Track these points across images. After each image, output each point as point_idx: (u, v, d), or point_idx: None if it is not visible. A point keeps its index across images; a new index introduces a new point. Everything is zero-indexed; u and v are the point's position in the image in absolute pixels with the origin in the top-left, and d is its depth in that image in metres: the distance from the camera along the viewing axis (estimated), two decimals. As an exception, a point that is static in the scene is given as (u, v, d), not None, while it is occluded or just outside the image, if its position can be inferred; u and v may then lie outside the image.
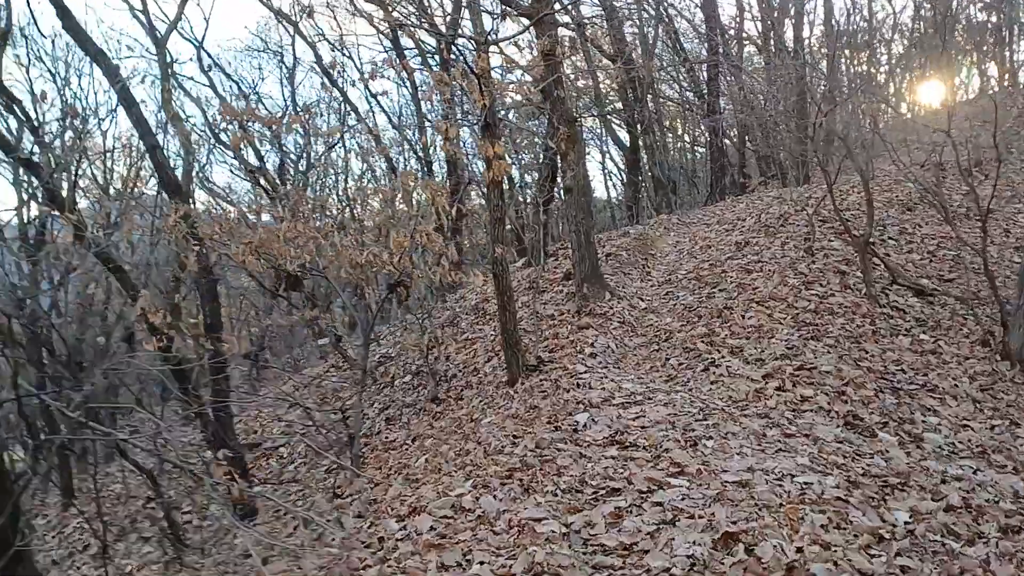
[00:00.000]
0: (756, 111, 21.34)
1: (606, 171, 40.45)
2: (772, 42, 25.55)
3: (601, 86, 22.75)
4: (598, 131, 27.02)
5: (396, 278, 6.95)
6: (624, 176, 21.16)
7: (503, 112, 15.70)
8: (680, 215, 15.99)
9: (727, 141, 22.68)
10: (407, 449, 8.60)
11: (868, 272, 10.25)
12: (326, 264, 6.54)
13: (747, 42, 25.79)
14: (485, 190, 8.79)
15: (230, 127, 14.98)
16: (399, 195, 7.48)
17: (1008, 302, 9.04)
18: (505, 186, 19.38)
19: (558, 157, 11.07)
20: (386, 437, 9.51)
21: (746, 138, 23.09)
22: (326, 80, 14.32)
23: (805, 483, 5.38)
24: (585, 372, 8.50)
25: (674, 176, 22.58)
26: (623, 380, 8.12)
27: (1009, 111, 18.52)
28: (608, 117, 20.53)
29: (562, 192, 11.56)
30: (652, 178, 18.70)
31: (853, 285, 10.48)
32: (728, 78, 21.82)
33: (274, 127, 14.07)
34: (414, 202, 7.80)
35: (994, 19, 25.21)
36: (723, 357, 8.55)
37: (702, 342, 9.07)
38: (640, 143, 18.14)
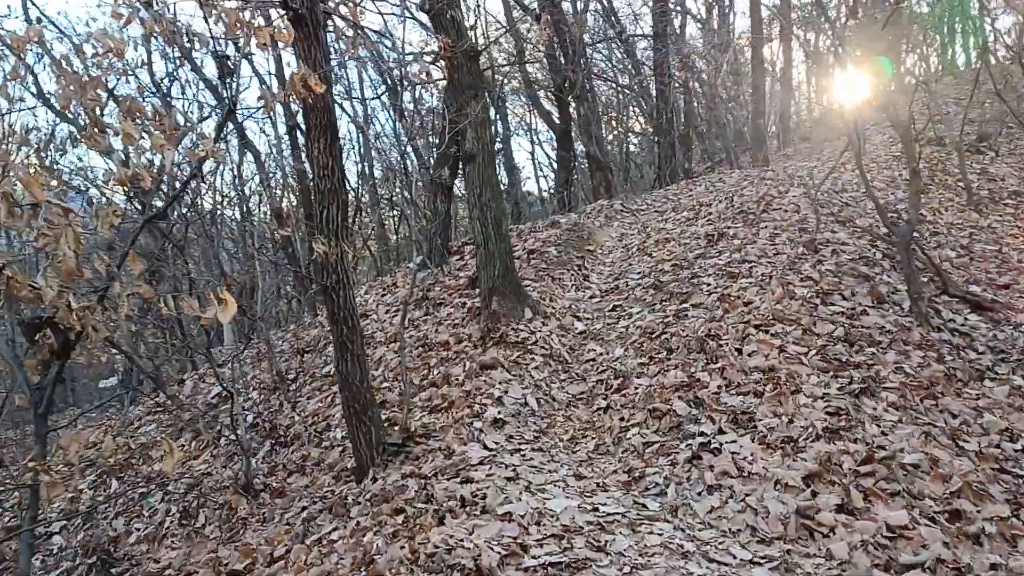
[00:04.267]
0: (708, 87, 17.84)
1: (536, 161, 36.64)
2: (716, 16, 22.21)
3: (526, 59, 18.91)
4: (523, 111, 23.20)
5: (34, 315, 3.02)
6: (555, 156, 17.24)
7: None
8: (625, 200, 12.19)
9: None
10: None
11: (915, 279, 6.57)
12: None
13: (690, 17, 22.34)
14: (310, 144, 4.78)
15: None
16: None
17: None
18: (412, 159, 15.37)
19: (457, 120, 7.08)
20: (156, 560, 5.45)
21: (691, 121, 19.60)
22: None
23: None
24: (482, 463, 4.59)
25: (611, 162, 18.90)
26: (548, 486, 4.22)
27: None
28: (532, 82, 16.66)
29: (460, 162, 7.60)
30: (588, 157, 14.85)
31: (888, 296, 6.80)
32: (675, 55, 18.13)
33: None
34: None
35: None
36: (720, 431, 4.72)
37: (679, 398, 5.23)
38: (572, 113, 14.28)
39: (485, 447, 4.83)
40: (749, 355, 5.61)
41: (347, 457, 5.44)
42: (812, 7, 20.60)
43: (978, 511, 3.83)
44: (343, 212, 4.85)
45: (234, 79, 3.85)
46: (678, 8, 20.20)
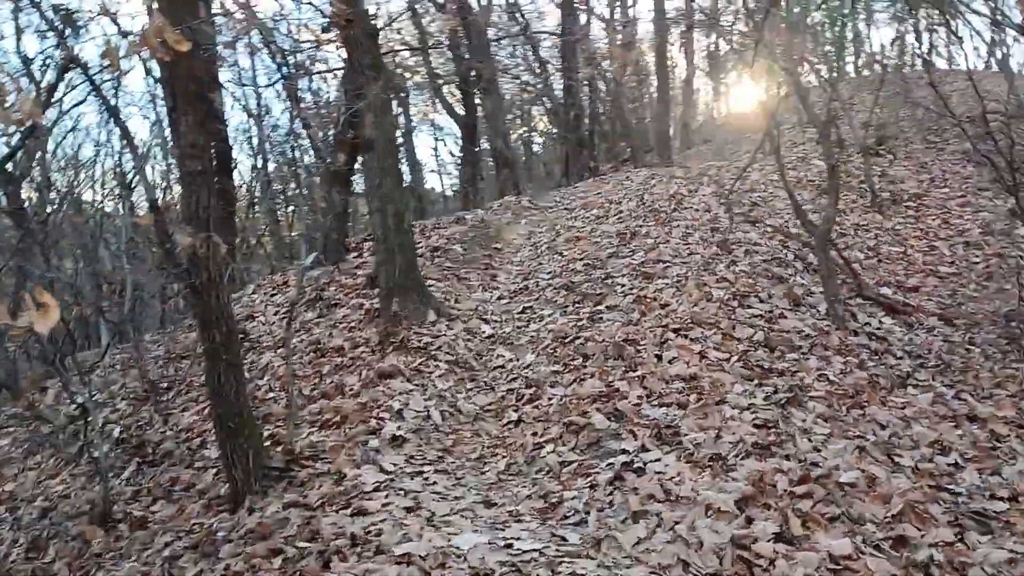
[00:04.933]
0: (614, 84, 17.62)
1: (439, 158, 36.10)
2: (619, 16, 22.11)
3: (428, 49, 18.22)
4: (426, 107, 22.51)
5: None
6: (460, 150, 16.61)
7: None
8: (532, 197, 11.75)
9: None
10: None
11: (832, 281, 6.34)
12: None
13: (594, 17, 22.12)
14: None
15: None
16: None
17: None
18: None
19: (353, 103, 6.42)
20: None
21: (596, 120, 19.40)
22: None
23: None
24: (378, 489, 4.00)
25: (517, 159, 18.49)
26: (454, 518, 3.66)
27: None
28: (436, 75, 16.03)
29: (358, 150, 6.97)
30: (493, 152, 14.34)
31: (804, 298, 6.56)
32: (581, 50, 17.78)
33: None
34: None
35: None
36: (643, 448, 4.26)
37: (598, 410, 4.76)
38: (478, 108, 13.78)
39: (382, 470, 4.24)
40: (670, 362, 5.20)
41: (221, 482, 4.73)
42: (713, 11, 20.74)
43: (923, 536, 3.49)
44: (220, 199, 4.17)
45: (76, 31, 3.15)
46: (583, 7, 19.95)
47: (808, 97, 6.70)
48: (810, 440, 4.25)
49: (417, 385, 5.47)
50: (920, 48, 19.33)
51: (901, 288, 7.58)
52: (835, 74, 18.62)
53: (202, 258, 3.94)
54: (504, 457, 4.58)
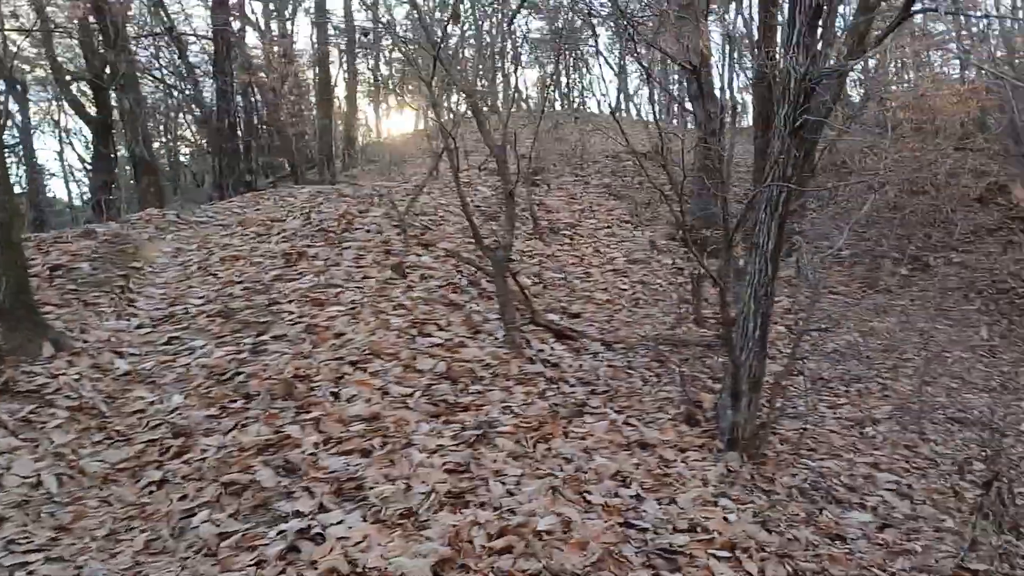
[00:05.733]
0: (272, 95, 16.53)
1: (65, 163, 31.64)
2: (277, 27, 21.10)
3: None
4: (49, 105, 19.48)
5: None
6: (92, 155, 14.33)
7: None
8: (180, 210, 10.37)
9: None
10: None
11: (509, 307, 6.22)
12: None
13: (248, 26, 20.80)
14: None
15: None
16: None
17: (736, 347, 5.60)
18: None
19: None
20: None
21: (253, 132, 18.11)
22: None
23: None
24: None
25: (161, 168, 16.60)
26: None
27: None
28: (63, 69, 13.76)
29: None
30: (132, 158, 12.55)
31: (481, 325, 6.37)
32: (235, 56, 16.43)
33: None
34: None
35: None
36: (321, 508, 3.61)
37: (265, 463, 4.00)
38: (114, 108, 11.97)
39: (-41, 568, 3.09)
40: (348, 400, 4.62)
41: None
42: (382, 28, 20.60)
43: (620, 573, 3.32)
44: None
45: None
46: (236, 14, 18.59)
47: (486, 123, 6.55)
48: (503, 483, 3.93)
49: (25, 441, 4.25)
50: (563, 90, 21.11)
51: (566, 314, 7.79)
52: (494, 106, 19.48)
53: None
54: (143, 531, 3.62)
